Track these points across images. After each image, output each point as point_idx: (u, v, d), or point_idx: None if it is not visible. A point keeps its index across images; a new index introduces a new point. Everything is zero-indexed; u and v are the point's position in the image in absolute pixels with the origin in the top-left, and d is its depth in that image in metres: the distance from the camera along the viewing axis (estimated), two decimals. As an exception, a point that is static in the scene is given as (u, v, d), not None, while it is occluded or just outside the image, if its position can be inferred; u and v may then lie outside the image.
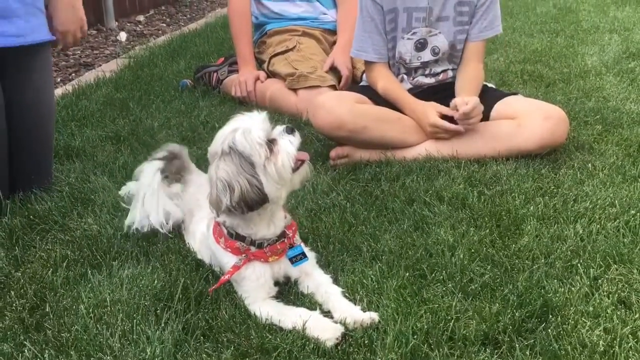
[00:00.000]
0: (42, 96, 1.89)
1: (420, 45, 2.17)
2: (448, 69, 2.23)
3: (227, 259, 1.39)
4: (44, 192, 1.88)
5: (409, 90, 2.19)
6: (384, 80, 2.19)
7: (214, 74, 2.95)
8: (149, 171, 1.66)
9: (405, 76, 2.23)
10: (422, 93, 2.19)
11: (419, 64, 2.19)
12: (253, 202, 1.29)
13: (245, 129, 1.31)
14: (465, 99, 2.02)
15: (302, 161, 1.35)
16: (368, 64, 2.23)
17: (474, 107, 2.01)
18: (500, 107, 2.14)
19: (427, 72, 2.22)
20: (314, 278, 1.42)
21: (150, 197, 1.62)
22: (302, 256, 1.40)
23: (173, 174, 1.71)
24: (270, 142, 1.32)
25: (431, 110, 2.08)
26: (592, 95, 2.66)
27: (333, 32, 2.98)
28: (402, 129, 2.10)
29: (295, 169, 1.33)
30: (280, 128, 1.35)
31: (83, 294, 1.40)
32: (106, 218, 1.74)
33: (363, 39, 2.19)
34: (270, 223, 1.38)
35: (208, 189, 1.58)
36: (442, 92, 2.18)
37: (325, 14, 2.98)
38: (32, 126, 1.86)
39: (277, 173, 1.30)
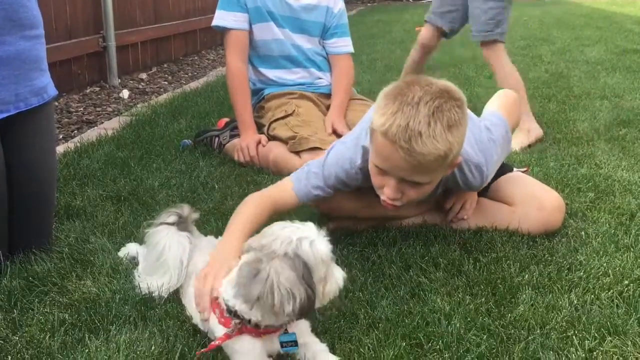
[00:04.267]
0: (44, 159, 1.91)
1: None
2: None
3: (220, 329, 1.38)
4: (43, 253, 1.89)
5: None
6: None
7: (216, 139, 3.01)
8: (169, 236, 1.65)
9: None
10: None
11: None
12: (305, 312, 1.29)
13: (312, 242, 1.31)
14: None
15: None
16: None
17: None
18: (498, 186, 2.13)
19: None
20: (310, 347, 1.42)
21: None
22: (294, 344, 1.40)
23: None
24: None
25: None
26: (584, 162, 2.72)
27: (327, 95, 3.07)
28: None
29: None
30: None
31: (80, 360, 1.40)
32: (105, 280, 1.75)
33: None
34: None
35: (205, 253, 1.61)
36: None
37: (320, 78, 3.08)
38: (32, 189, 1.88)
39: (324, 295, 1.33)
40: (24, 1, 1.76)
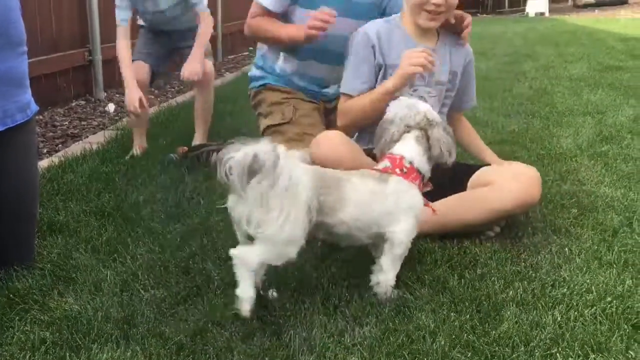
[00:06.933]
0: (26, 175, 1.90)
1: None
2: None
3: (418, 194, 1.80)
4: (25, 270, 1.87)
5: None
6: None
7: (214, 154, 2.94)
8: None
9: None
10: None
11: None
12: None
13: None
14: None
15: None
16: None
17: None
18: (474, 178, 2.23)
19: None
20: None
21: None
22: None
23: None
24: None
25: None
26: (568, 178, 2.75)
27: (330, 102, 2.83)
28: None
29: None
30: None
31: (60, 380, 1.38)
32: (87, 298, 1.74)
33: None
34: None
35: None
36: None
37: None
38: (15, 205, 1.87)
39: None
40: (15, 19, 1.76)
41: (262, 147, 1.52)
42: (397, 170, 1.79)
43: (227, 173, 1.51)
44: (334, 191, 1.72)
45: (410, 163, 1.80)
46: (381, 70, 2.24)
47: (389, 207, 1.75)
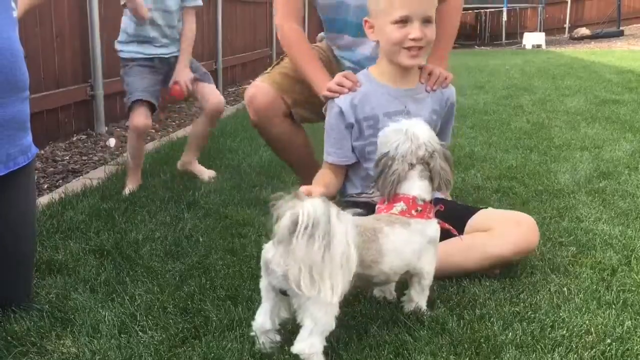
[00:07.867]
0: (26, 217, 1.91)
1: None
2: None
3: (435, 225, 1.87)
4: (23, 311, 1.86)
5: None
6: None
7: None
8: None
9: None
10: None
11: None
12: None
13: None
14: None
15: None
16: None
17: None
18: (473, 222, 2.22)
19: None
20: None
21: None
22: None
23: None
24: None
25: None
26: (566, 215, 2.76)
27: None
28: None
29: None
30: None
31: None
32: (84, 340, 1.73)
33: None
34: None
35: None
36: None
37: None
38: (14, 247, 1.87)
39: None
40: (19, 64, 1.80)
41: (315, 208, 1.46)
42: (413, 211, 1.84)
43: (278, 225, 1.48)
44: (372, 244, 1.76)
45: (423, 200, 1.86)
46: (353, 128, 2.23)
47: (416, 246, 1.84)
